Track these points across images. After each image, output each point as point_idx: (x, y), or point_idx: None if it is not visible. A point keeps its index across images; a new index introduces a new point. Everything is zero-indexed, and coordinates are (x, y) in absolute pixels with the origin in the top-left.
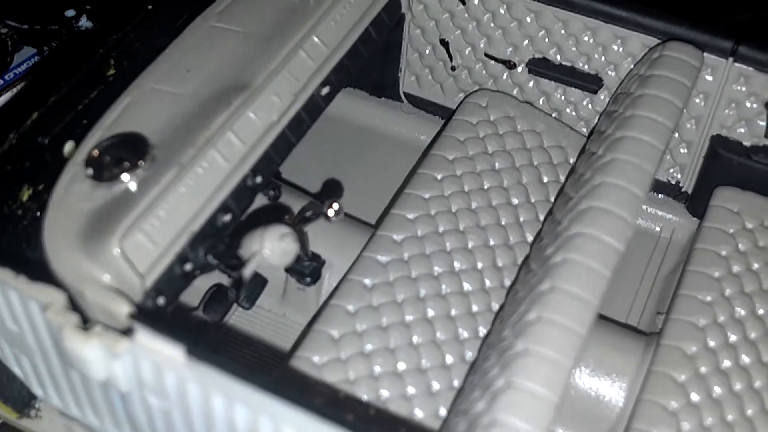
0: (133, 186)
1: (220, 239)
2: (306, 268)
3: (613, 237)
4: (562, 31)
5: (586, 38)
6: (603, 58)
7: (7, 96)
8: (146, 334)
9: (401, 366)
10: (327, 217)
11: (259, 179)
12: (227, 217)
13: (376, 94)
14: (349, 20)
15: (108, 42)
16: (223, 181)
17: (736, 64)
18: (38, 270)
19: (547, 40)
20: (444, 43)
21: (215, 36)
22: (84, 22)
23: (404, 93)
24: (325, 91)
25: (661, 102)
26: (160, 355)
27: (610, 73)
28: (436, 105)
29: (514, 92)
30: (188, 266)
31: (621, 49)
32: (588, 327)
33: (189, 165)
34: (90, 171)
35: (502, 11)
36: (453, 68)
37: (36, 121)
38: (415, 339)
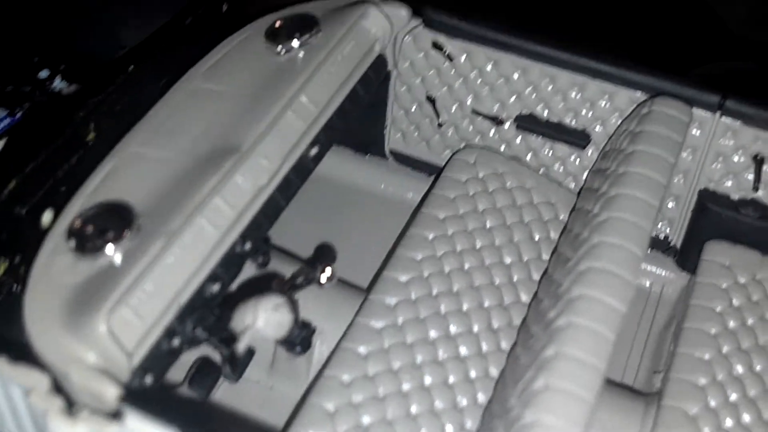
0: (118, 258)
1: (209, 311)
2: (296, 337)
3: (615, 298)
4: (550, 87)
5: (573, 94)
6: (590, 114)
7: None
8: (136, 417)
9: None
10: (320, 283)
11: (248, 245)
12: (216, 287)
13: (362, 151)
14: (337, 78)
15: (88, 105)
16: (211, 249)
17: (724, 118)
18: (19, 350)
19: (534, 96)
20: (431, 100)
21: (200, 97)
22: (58, 83)
23: (390, 150)
24: (314, 151)
25: (653, 158)
26: None
27: (597, 128)
28: (422, 162)
29: (502, 148)
30: (176, 341)
31: (608, 105)
32: (596, 393)
33: (177, 234)
34: (72, 243)
35: (489, 68)
36: (440, 125)
37: (13, 190)
38: (413, 409)
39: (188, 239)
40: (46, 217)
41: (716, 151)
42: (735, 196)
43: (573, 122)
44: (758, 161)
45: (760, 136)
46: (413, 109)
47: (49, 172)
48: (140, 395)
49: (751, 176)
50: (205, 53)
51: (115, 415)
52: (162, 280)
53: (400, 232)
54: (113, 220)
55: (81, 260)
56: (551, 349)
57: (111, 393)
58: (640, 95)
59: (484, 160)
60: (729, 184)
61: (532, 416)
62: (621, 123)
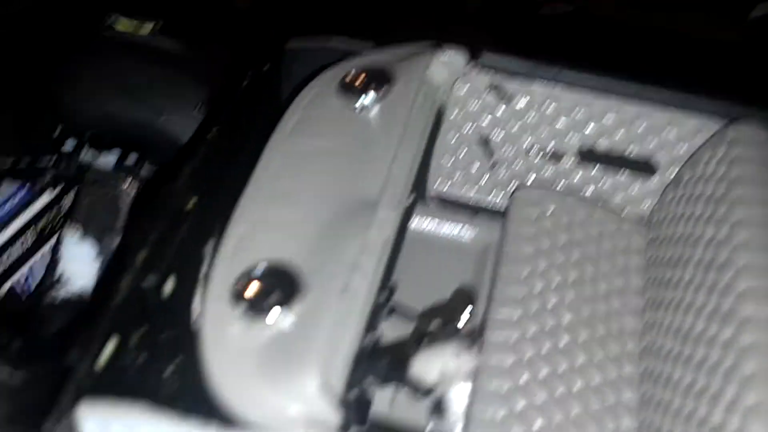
0: (299, 318)
1: (375, 362)
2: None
3: None
4: (612, 120)
5: (637, 124)
6: (653, 143)
7: (4, 236)
8: None
9: None
10: (457, 327)
11: (383, 296)
12: (370, 338)
13: None
14: (419, 131)
15: (182, 174)
16: (364, 303)
17: None
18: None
19: (595, 129)
20: (483, 142)
21: (300, 157)
22: (86, 155)
23: (433, 195)
24: (411, 199)
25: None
26: None
27: (662, 156)
28: (465, 205)
29: (557, 183)
30: (353, 394)
31: (674, 133)
32: None
33: (344, 291)
34: (242, 308)
35: (547, 105)
36: (493, 165)
37: (144, 263)
38: None
39: (351, 295)
40: (168, 287)
41: None
42: None
43: (636, 152)
44: None
45: None
46: (460, 153)
47: (166, 242)
48: None
49: None
50: (270, 111)
51: None
52: (340, 336)
53: (491, 270)
54: (278, 283)
55: (255, 324)
56: None
57: None
58: (707, 122)
59: (546, 196)
60: None
61: None
62: (700, 149)
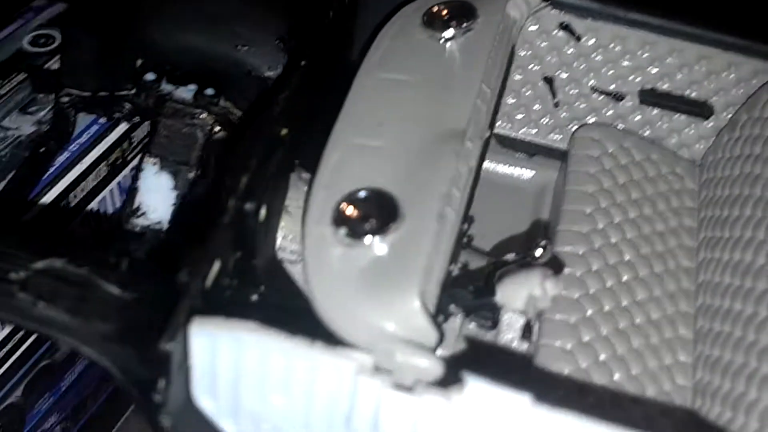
0: (395, 243)
1: (458, 289)
2: (489, 312)
3: None
4: (675, 61)
5: (697, 67)
6: (713, 85)
7: (76, 171)
8: (477, 382)
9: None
10: (534, 258)
11: (465, 225)
12: (454, 267)
13: None
14: (499, 65)
15: (278, 102)
16: (451, 232)
17: None
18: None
19: (657, 70)
20: (548, 81)
21: (389, 88)
22: (166, 86)
23: (493, 133)
24: (488, 134)
25: None
26: (502, 403)
27: (719, 99)
28: (527, 143)
29: (616, 124)
30: (440, 318)
31: (732, 76)
32: None
33: (439, 218)
34: (344, 231)
35: (614, 45)
36: (556, 104)
37: (245, 188)
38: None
39: (443, 223)
40: (263, 211)
41: None
42: None
43: (694, 94)
44: None
45: None
46: (524, 93)
47: (261, 168)
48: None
49: None
50: (353, 43)
51: (450, 384)
52: (434, 261)
53: (550, 209)
54: (377, 207)
55: (356, 247)
56: None
57: (437, 364)
58: (765, 65)
59: (607, 136)
60: None
61: None
62: (757, 92)
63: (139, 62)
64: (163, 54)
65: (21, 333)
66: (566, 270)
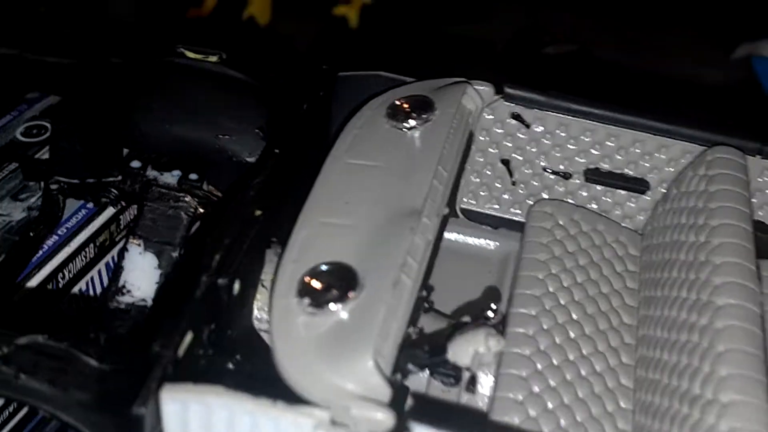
0: (353, 311)
1: (416, 350)
2: (450, 370)
3: None
4: (613, 144)
5: (633, 148)
6: (648, 164)
7: (67, 250)
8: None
9: None
10: (487, 319)
11: (423, 293)
12: (412, 330)
13: None
14: (455, 151)
15: (252, 186)
16: (409, 298)
17: (763, 160)
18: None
19: (598, 152)
20: (504, 163)
21: (356, 172)
22: (151, 172)
23: (461, 209)
24: (446, 210)
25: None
26: None
27: (654, 176)
28: (491, 217)
29: (567, 199)
30: (398, 377)
31: (664, 156)
32: None
33: (395, 285)
34: (307, 301)
35: (559, 131)
36: (513, 183)
37: (219, 263)
38: (578, 417)
39: (400, 291)
40: (237, 285)
41: (754, 187)
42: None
43: (632, 172)
44: None
45: None
46: (485, 173)
47: (236, 245)
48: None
49: None
50: (325, 132)
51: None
52: (390, 325)
53: (513, 274)
54: (338, 279)
55: (318, 315)
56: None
57: (389, 417)
58: (693, 146)
59: (558, 210)
60: (761, 213)
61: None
62: (685, 169)
63: (125, 151)
64: (149, 144)
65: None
66: (520, 329)
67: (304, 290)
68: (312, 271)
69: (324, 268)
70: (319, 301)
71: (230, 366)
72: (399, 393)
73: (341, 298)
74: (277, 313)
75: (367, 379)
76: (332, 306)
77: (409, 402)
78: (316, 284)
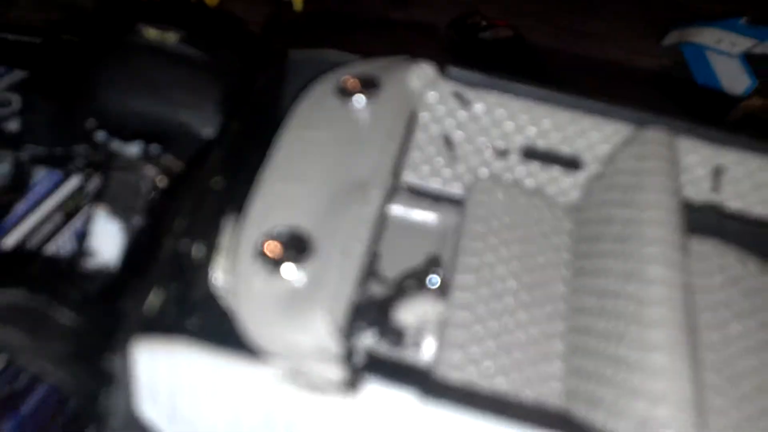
0: (310, 272)
1: (363, 311)
2: (395, 332)
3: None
4: (549, 123)
5: (569, 127)
6: (582, 143)
7: (34, 218)
8: (373, 384)
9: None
10: (430, 284)
11: (371, 259)
12: (360, 293)
13: None
14: (401, 127)
15: (211, 157)
16: (358, 263)
17: (691, 140)
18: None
19: (536, 130)
20: (446, 139)
21: (308, 142)
22: (114, 143)
23: (403, 184)
24: (391, 182)
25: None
26: (393, 401)
27: (588, 154)
28: (433, 191)
29: (505, 175)
30: (348, 336)
31: (597, 135)
32: None
33: (345, 252)
34: (263, 264)
35: (498, 110)
36: (454, 159)
37: (181, 228)
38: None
39: (350, 257)
40: (197, 249)
41: (682, 165)
42: (697, 200)
43: (567, 150)
44: (717, 172)
45: (717, 152)
46: (427, 149)
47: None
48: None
49: (707, 184)
50: (278, 109)
51: (352, 387)
52: (341, 289)
53: (452, 246)
54: (293, 244)
55: (275, 276)
56: None
57: (340, 371)
58: (623, 126)
59: (497, 185)
60: (690, 190)
61: None
62: (618, 147)
63: (91, 123)
64: (112, 117)
65: None
66: (460, 295)
67: (262, 252)
68: (268, 234)
69: (280, 231)
70: (275, 262)
71: (193, 325)
72: (350, 349)
73: (296, 260)
74: (236, 274)
75: (321, 335)
76: (288, 267)
77: (360, 358)
78: (273, 247)
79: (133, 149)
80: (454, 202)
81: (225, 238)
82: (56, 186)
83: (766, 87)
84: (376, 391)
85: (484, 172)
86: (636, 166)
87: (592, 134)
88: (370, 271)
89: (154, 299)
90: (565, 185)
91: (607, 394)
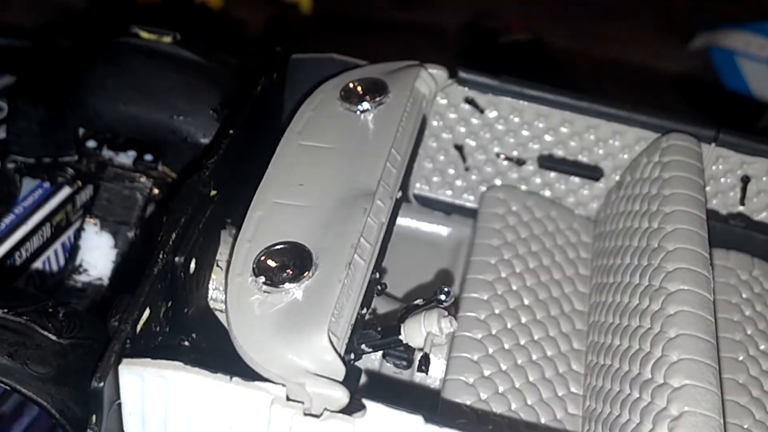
0: (308, 289)
1: (369, 330)
2: (402, 352)
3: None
4: (567, 130)
5: (587, 135)
6: (602, 151)
7: (24, 229)
8: (377, 407)
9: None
10: (440, 302)
11: (377, 275)
12: (364, 311)
13: None
14: (409, 134)
15: (207, 166)
16: (362, 279)
17: (717, 148)
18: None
19: (552, 138)
20: (458, 148)
21: (309, 153)
22: (106, 152)
23: (414, 195)
24: (399, 194)
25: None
26: (399, 425)
27: (608, 163)
28: (443, 203)
29: (520, 186)
30: (351, 355)
31: (618, 143)
32: None
33: (349, 267)
34: (262, 279)
35: (513, 117)
36: (466, 169)
37: (175, 242)
38: (529, 401)
39: (352, 271)
40: (194, 264)
41: (708, 175)
42: (723, 211)
43: (586, 159)
44: (744, 181)
45: (745, 161)
46: (438, 158)
47: (191, 224)
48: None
49: (734, 194)
50: (279, 114)
51: (354, 410)
52: (343, 305)
53: (465, 259)
54: (293, 258)
55: (273, 294)
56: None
57: (343, 394)
58: (647, 133)
59: (512, 196)
60: (715, 201)
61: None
62: (639, 155)
63: (81, 131)
64: (104, 124)
65: None
66: (472, 313)
67: (259, 269)
68: (267, 251)
69: (279, 247)
70: (273, 280)
71: (186, 343)
72: (353, 371)
73: (296, 278)
74: (232, 292)
75: (322, 357)
76: (287, 285)
77: (363, 381)
78: (271, 263)
79: (126, 158)
80: (467, 214)
81: (221, 254)
82: (45, 198)
83: None
84: (381, 413)
85: (498, 182)
86: (658, 176)
87: (612, 142)
88: (377, 288)
89: (145, 318)
90: (584, 196)
91: (628, 418)
